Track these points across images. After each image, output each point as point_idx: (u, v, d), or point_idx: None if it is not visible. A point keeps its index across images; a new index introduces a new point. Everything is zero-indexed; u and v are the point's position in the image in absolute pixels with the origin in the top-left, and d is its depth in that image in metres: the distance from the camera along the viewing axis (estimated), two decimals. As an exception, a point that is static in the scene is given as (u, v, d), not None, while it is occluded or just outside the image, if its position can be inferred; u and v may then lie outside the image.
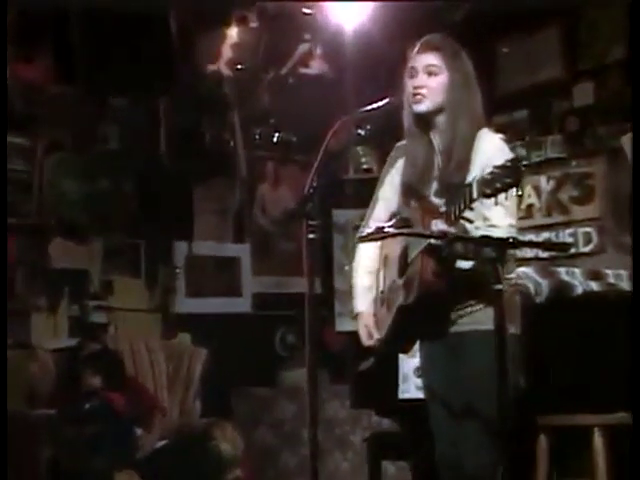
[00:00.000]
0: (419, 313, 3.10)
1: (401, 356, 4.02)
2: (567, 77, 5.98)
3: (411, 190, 3.23)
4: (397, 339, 3.29)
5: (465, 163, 3.09)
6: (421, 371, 3.38)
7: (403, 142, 3.35)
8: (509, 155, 2.87)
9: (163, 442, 5.10)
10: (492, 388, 2.71)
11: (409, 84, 3.19)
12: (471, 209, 2.82)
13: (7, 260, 5.21)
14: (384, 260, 3.36)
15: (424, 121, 3.22)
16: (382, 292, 3.34)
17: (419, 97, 3.15)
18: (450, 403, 3.18)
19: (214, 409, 5.66)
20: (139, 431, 5.05)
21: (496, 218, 2.99)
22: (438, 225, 2.88)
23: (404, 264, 3.16)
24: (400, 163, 3.34)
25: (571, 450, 3.72)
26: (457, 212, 2.82)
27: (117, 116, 6.19)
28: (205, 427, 5.23)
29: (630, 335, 3.20)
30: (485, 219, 2.99)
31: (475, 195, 2.70)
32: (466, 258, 3.01)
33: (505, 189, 2.61)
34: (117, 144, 6.21)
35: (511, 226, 3.03)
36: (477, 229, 2.96)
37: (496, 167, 2.63)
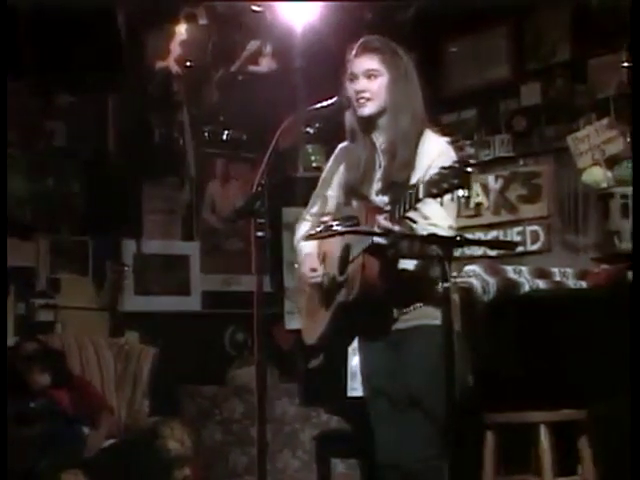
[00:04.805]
0: (360, 310, 3.11)
1: (350, 354, 4.03)
2: (515, 77, 6.04)
3: (353, 190, 3.26)
4: (336, 336, 3.27)
5: (409, 162, 3.11)
6: (361, 367, 3.36)
7: (345, 143, 3.37)
8: (454, 157, 2.89)
9: (111, 441, 5.06)
10: (437, 384, 2.73)
11: (350, 88, 3.22)
12: (415, 209, 2.83)
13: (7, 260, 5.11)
14: (323, 258, 3.35)
15: (368, 123, 3.25)
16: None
17: (362, 101, 3.19)
18: (392, 399, 3.18)
19: (163, 408, 5.63)
20: (86, 430, 5.01)
21: (436, 218, 3.01)
22: (381, 222, 2.89)
23: (345, 261, 3.16)
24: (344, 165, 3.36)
25: (517, 447, 3.75)
26: (402, 211, 2.83)
27: (64, 113, 6.13)
28: (153, 426, 5.19)
29: (631, 331, 3.24)
30: (425, 217, 3.00)
31: (421, 195, 2.71)
32: (411, 257, 3.02)
33: (451, 190, 2.61)
34: (64, 141, 6.15)
35: (450, 228, 3.05)
36: (421, 228, 2.97)
37: (443, 168, 2.64)
